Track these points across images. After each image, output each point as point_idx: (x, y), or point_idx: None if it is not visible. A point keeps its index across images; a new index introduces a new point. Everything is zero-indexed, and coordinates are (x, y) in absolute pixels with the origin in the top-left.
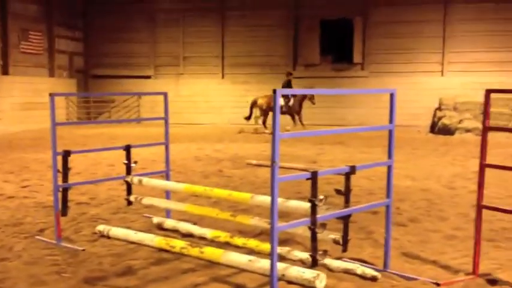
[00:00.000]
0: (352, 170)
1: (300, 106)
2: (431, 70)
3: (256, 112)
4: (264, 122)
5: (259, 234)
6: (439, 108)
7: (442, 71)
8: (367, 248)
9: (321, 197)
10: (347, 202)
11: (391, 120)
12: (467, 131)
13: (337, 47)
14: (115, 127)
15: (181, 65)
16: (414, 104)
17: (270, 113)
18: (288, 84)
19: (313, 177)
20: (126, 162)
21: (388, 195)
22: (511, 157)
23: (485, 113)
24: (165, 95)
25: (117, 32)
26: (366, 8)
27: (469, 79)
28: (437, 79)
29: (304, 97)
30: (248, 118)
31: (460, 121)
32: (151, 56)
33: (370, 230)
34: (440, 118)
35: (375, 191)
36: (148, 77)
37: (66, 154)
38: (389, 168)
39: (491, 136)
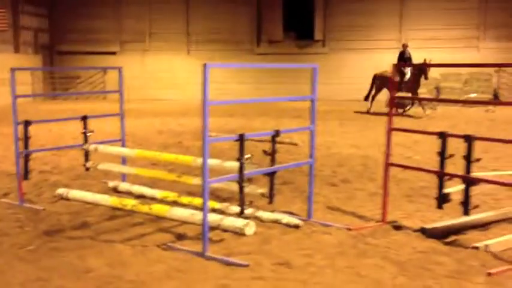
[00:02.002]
0: (277, 133)
1: (416, 82)
2: (389, 47)
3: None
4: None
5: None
6: None
7: (399, 48)
8: (298, 203)
9: (247, 156)
10: (272, 161)
11: (313, 91)
12: (419, 105)
13: (300, 24)
14: (80, 103)
15: (147, 41)
16: (369, 78)
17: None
18: (402, 57)
19: (241, 139)
20: (83, 131)
21: (310, 155)
22: (453, 127)
23: (391, 85)
24: (120, 69)
25: (83, 7)
26: None
27: (425, 55)
28: (395, 55)
29: (420, 72)
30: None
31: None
32: (116, 32)
33: (304, 189)
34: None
35: (318, 158)
36: (113, 53)
37: (27, 124)
38: (311, 132)
39: (445, 109)
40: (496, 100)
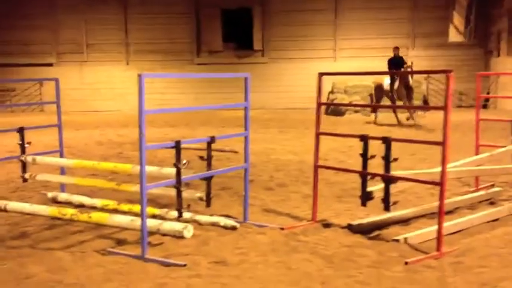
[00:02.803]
0: (212, 140)
1: (407, 89)
2: (325, 56)
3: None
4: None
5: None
6: (331, 92)
7: (334, 57)
8: (235, 207)
9: (184, 161)
10: (209, 166)
11: (246, 99)
12: (356, 111)
13: (239, 34)
14: (17, 116)
15: (85, 52)
16: (310, 87)
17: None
18: (395, 62)
19: (177, 146)
20: (20, 143)
21: (245, 160)
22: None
23: (318, 92)
24: (56, 80)
25: (16, 19)
26: None
27: (358, 64)
28: (331, 64)
29: (405, 78)
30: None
31: (350, 103)
32: (53, 43)
33: (242, 194)
34: (332, 100)
35: (257, 164)
36: (50, 65)
37: None
38: (245, 138)
39: (382, 116)
40: (425, 105)
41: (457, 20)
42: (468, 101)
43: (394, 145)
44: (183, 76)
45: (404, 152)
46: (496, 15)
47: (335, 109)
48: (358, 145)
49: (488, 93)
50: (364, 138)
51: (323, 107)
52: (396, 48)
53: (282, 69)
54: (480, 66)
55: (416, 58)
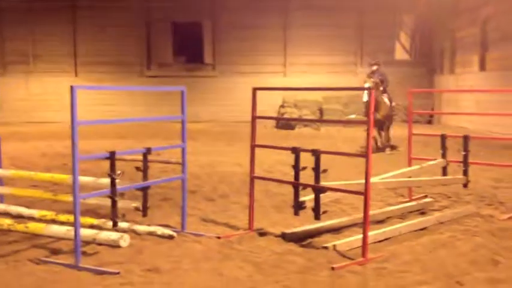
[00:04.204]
0: (148, 151)
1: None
2: (276, 71)
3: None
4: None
5: (85, 211)
6: (282, 106)
7: (284, 72)
8: (175, 217)
9: (118, 172)
10: (145, 176)
11: (182, 112)
12: (305, 125)
13: (189, 48)
14: None
15: (32, 63)
16: (261, 101)
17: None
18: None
19: (111, 156)
20: None
21: (182, 171)
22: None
23: (253, 106)
24: None
25: None
26: (213, 13)
27: (307, 80)
28: (281, 79)
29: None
30: None
31: (300, 117)
32: None
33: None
34: (283, 114)
35: (201, 176)
36: None
37: None
38: (183, 150)
39: (327, 129)
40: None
41: (404, 38)
42: (413, 116)
43: (340, 159)
44: (118, 89)
45: (350, 165)
46: (439, 35)
47: (286, 123)
48: (304, 158)
49: (432, 109)
50: (296, 151)
51: (274, 122)
52: (375, 64)
53: (233, 83)
54: (424, 83)
55: (363, 75)
